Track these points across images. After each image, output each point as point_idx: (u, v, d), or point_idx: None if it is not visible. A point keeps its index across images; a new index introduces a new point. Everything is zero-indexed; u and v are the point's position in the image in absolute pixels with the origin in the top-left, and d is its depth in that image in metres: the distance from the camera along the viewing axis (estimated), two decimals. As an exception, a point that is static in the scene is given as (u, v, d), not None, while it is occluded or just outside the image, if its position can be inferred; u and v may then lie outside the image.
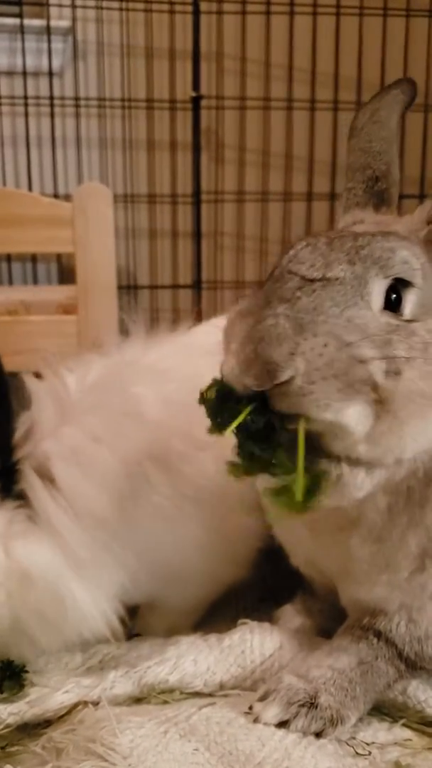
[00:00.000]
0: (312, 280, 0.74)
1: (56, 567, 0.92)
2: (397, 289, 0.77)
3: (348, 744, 0.82)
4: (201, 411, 0.75)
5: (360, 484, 0.78)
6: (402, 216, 0.90)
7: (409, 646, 0.89)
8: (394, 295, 0.76)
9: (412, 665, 0.90)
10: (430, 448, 0.81)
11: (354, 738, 0.83)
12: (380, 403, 0.72)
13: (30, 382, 1.01)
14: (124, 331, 1.16)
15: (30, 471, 0.95)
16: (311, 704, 0.83)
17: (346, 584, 0.93)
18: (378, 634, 0.90)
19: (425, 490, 0.83)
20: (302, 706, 0.83)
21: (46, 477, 0.95)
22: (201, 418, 0.75)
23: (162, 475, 0.99)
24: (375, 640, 0.90)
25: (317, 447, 0.75)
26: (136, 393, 1.03)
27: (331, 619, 1.01)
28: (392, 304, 0.76)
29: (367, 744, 0.82)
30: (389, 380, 0.72)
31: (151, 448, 0.99)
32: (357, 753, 0.80)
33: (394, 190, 0.94)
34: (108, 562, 0.96)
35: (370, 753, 0.80)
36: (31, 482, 0.95)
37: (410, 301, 0.77)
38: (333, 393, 0.70)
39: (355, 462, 0.76)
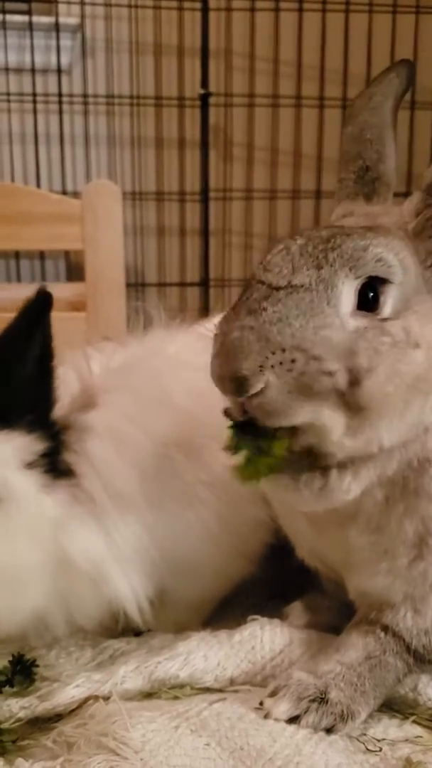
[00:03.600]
0: (278, 288, 0.74)
1: (98, 551, 0.93)
2: (374, 287, 0.76)
3: (359, 740, 0.82)
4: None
5: (347, 487, 0.79)
6: (393, 207, 0.89)
7: (417, 639, 0.89)
8: (371, 294, 0.76)
9: (420, 659, 0.90)
10: (415, 436, 0.81)
11: (365, 734, 0.83)
12: (348, 405, 0.74)
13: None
14: (143, 323, 1.17)
15: (77, 447, 0.95)
16: (321, 699, 0.83)
17: (349, 575, 0.94)
18: (385, 629, 0.90)
19: (419, 479, 0.83)
20: (312, 701, 0.83)
21: (81, 453, 0.96)
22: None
23: (185, 461, 1.00)
24: (382, 635, 0.90)
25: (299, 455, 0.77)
26: (164, 380, 1.04)
27: (340, 616, 1.01)
28: (369, 303, 0.76)
29: (378, 740, 0.82)
30: (352, 389, 0.73)
31: (177, 434, 1.00)
32: (368, 749, 0.80)
33: (387, 178, 0.92)
34: (140, 545, 0.97)
35: (380, 749, 0.80)
36: (78, 459, 0.95)
37: (390, 297, 0.76)
38: (303, 401, 0.72)
39: (344, 465, 0.78)
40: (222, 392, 0.74)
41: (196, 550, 1.02)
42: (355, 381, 0.73)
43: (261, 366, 0.70)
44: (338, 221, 0.88)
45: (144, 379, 1.04)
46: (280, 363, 0.71)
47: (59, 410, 0.97)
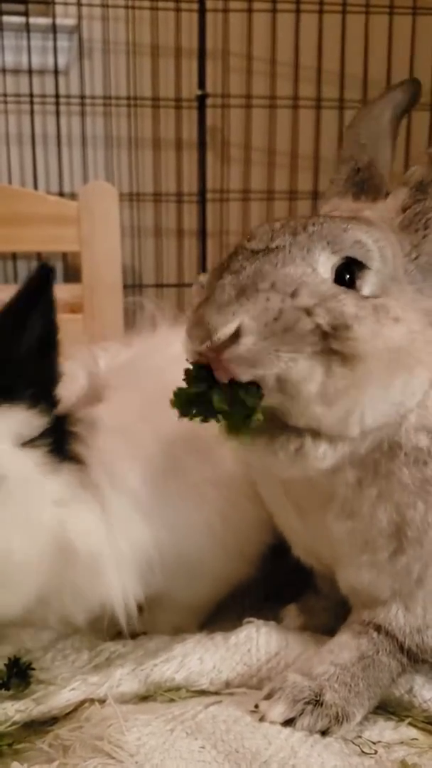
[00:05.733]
0: (257, 252, 0.77)
1: (99, 540, 0.91)
2: (351, 269, 0.78)
3: (354, 743, 0.82)
4: None
5: (322, 454, 0.79)
6: (377, 203, 0.90)
7: (410, 639, 0.89)
8: (348, 275, 0.77)
9: (414, 658, 0.90)
10: (393, 419, 0.81)
11: (360, 737, 0.83)
12: (333, 354, 0.73)
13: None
14: (147, 322, 1.17)
15: (86, 439, 0.93)
16: (316, 702, 0.83)
17: (338, 569, 0.94)
18: (378, 628, 0.90)
19: (390, 464, 0.83)
20: (308, 703, 0.83)
21: (90, 446, 0.94)
22: None
23: (191, 459, 0.99)
24: (375, 634, 0.90)
25: (277, 419, 0.77)
26: (170, 377, 1.03)
27: (335, 618, 1.01)
28: (346, 283, 0.77)
29: (373, 743, 0.82)
30: (339, 332, 0.73)
31: (184, 432, 0.98)
32: (363, 752, 0.80)
33: (378, 182, 0.94)
34: (141, 544, 0.95)
35: (376, 752, 0.80)
36: (87, 451, 0.93)
37: (367, 282, 0.78)
38: (280, 347, 0.72)
39: (318, 434, 0.78)
40: (193, 343, 0.73)
41: (198, 550, 1.01)
42: (344, 325, 0.73)
43: (234, 312, 0.71)
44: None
45: (151, 376, 1.03)
46: (255, 304, 0.72)
47: (67, 403, 0.95)
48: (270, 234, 0.78)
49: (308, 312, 0.72)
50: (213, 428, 0.90)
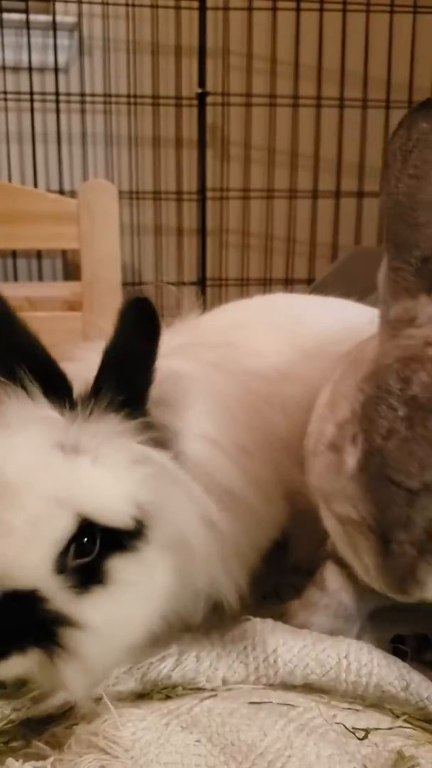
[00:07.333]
0: (416, 491, 0.74)
1: (208, 538, 0.92)
2: None
3: (350, 731, 0.82)
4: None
5: None
6: None
7: None
8: None
9: None
10: None
11: (356, 726, 0.83)
12: None
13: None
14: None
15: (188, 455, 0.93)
16: None
17: None
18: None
19: None
20: None
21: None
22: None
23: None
24: None
25: None
26: (248, 371, 1.04)
27: (336, 616, 1.01)
28: None
29: (369, 731, 0.82)
30: None
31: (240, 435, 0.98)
32: (359, 740, 0.80)
33: None
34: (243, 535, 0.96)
35: (374, 744, 0.80)
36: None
37: None
38: None
39: None
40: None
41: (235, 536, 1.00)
42: None
43: (426, 571, 0.75)
44: (404, 330, 0.81)
45: (224, 377, 1.02)
46: None
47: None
48: (417, 462, 0.74)
49: None
50: None
